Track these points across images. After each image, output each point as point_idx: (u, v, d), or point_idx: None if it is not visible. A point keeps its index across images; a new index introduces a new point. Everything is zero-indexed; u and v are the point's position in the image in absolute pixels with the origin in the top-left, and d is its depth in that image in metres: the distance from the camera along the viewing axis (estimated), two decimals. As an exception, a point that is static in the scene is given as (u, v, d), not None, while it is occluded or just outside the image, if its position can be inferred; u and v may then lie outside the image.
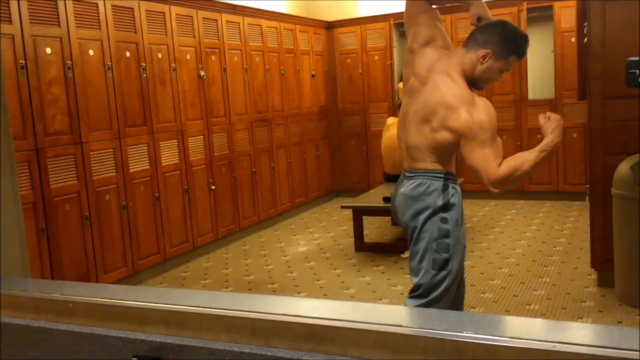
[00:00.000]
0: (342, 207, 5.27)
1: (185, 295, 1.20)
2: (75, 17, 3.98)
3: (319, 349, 0.95)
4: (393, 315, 0.96)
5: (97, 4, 4.15)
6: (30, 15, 3.69)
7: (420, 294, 2.39)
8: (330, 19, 7.50)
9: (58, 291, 1.24)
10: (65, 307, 1.18)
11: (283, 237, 5.84)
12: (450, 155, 2.37)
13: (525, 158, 2.12)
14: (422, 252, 2.36)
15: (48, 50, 3.80)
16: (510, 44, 2.26)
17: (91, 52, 4.10)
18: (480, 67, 2.26)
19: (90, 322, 1.15)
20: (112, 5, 4.26)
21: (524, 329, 0.90)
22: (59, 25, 3.88)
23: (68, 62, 3.92)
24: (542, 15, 6.47)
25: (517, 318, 1.04)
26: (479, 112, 2.18)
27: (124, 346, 1.09)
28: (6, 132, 2.08)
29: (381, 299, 4.00)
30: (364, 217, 5.30)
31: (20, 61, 3.62)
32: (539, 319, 0.97)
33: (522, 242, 5.16)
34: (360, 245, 5.20)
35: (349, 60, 7.46)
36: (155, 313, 1.10)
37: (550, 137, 2.08)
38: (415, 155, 2.36)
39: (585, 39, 4.14)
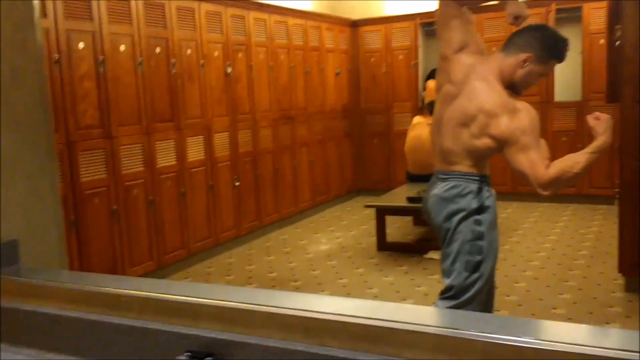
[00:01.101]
0: (366, 206, 5.26)
1: (238, 292, 1.22)
2: (108, 12, 4.02)
3: (374, 350, 0.96)
4: (450, 318, 0.96)
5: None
6: (65, 10, 3.74)
7: (452, 296, 2.39)
8: (355, 17, 7.49)
9: (110, 285, 1.26)
10: (117, 300, 1.20)
11: (305, 235, 5.85)
12: (486, 159, 2.36)
13: (576, 160, 2.10)
14: (455, 254, 2.35)
15: (81, 45, 3.85)
16: (551, 47, 2.24)
17: (122, 48, 4.14)
18: (521, 71, 2.25)
19: (143, 316, 1.17)
20: (144, 1, 4.30)
21: (566, 334, 0.91)
22: (91, 19, 3.92)
23: (100, 57, 3.97)
24: (571, 16, 6.40)
25: (560, 323, 1.04)
26: (521, 116, 2.17)
27: (176, 341, 1.11)
28: (48, 128, 2.11)
29: (405, 300, 4.00)
30: (386, 216, 5.29)
31: (55, 55, 3.68)
32: (576, 324, 0.98)
33: (546, 246, 5.12)
34: (383, 244, 5.19)
35: (373, 59, 7.45)
36: (208, 309, 1.11)
37: (602, 138, 2.06)
38: (450, 158, 2.36)
39: (618, 42, 4.10)
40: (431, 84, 6.52)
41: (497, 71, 2.26)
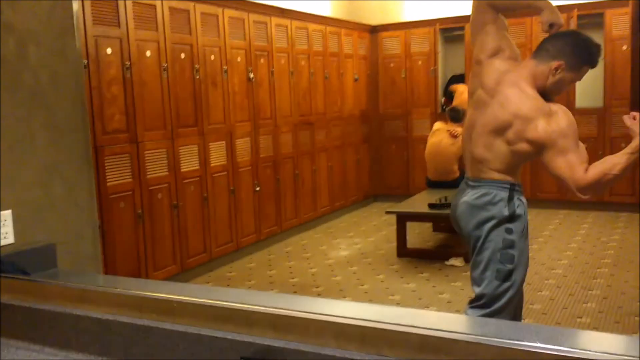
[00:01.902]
0: (387, 212, 5.26)
1: (293, 300, 1.22)
2: (134, 18, 4.07)
3: (433, 360, 0.96)
4: (513, 330, 0.96)
5: (155, 5, 4.23)
6: (93, 16, 3.79)
7: (483, 305, 2.38)
8: (374, 22, 7.50)
9: (162, 290, 1.28)
10: (170, 306, 1.22)
11: (324, 240, 5.86)
12: (519, 167, 2.36)
13: (615, 162, 2.09)
14: (486, 262, 2.35)
15: (109, 51, 3.89)
16: (583, 54, 2.24)
17: (148, 53, 4.19)
18: (553, 78, 2.24)
19: (196, 322, 1.18)
20: (169, 7, 4.34)
21: (604, 343, 0.93)
22: (119, 26, 3.97)
23: (127, 62, 4.01)
24: (592, 22, 6.36)
25: (596, 333, 1.05)
26: (558, 119, 2.16)
27: (230, 348, 1.12)
28: (86, 132, 2.14)
29: (428, 307, 3.99)
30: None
31: (84, 61, 3.72)
32: (613, 334, 0.99)
33: (567, 253, 5.08)
34: (403, 250, 5.18)
35: (392, 65, 7.45)
36: (262, 316, 1.12)
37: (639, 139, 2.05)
38: (482, 166, 2.35)
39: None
40: (461, 88, 6.52)
41: (529, 77, 2.26)
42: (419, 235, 5.84)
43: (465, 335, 0.94)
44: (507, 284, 2.33)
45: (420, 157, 7.08)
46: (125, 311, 1.26)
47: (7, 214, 1.77)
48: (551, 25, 2.27)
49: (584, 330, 1.47)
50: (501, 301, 2.34)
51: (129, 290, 1.31)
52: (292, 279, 4.67)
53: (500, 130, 2.28)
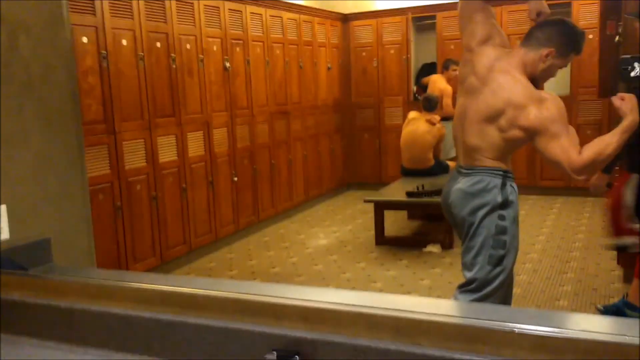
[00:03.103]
0: (366, 200, 5.29)
1: (322, 292, 1.23)
2: (110, 6, 3.97)
3: (470, 349, 0.98)
4: (549, 319, 0.99)
5: (130, -7, 4.14)
6: (68, 4, 3.66)
7: (474, 289, 2.43)
8: (346, 11, 7.49)
9: (186, 285, 1.27)
10: (194, 300, 1.21)
11: (301, 229, 5.87)
12: (510, 154, 2.41)
13: (607, 141, 2.14)
14: (479, 248, 2.39)
15: (84, 40, 3.79)
16: (571, 41, 2.29)
17: (124, 42, 4.10)
18: (542, 65, 2.29)
19: (222, 316, 1.17)
20: (145, -5, 4.25)
21: (591, 324, 0.99)
22: (94, 13, 3.87)
23: (103, 51, 3.92)
24: (560, 12, 6.48)
25: (584, 314, 1.11)
26: (548, 106, 2.21)
27: (260, 341, 1.12)
28: (78, 124, 2.09)
29: (410, 293, 4.05)
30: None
31: (59, 50, 3.61)
32: (595, 315, 1.05)
33: (540, 238, 5.22)
34: (381, 238, 5.24)
35: (364, 54, 7.47)
36: (292, 309, 1.12)
37: (630, 118, 2.10)
38: (475, 153, 2.39)
39: (617, 37, 4.19)
40: (434, 77, 6.57)
41: (520, 65, 2.30)
42: (395, 223, 5.90)
43: (501, 323, 0.96)
44: (498, 269, 2.39)
45: (393, 145, 7.15)
46: (147, 306, 1.25)
47: (2, 208, 1.73)
48: (539, 14, 2.32)
49: (587, 314, 1.52)
50: (492, 285, 2.40)
51: (151, 285, 1.30)
52: (273, 268, 4.67)
53: (492, 117, 2.32)
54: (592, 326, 0.97)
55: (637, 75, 1.66)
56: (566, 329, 0.95)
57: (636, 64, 1.66)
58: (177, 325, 1.20)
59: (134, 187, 4.19)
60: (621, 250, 3.37)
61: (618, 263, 4.05)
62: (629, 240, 3.26)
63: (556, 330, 0.94)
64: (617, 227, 3.30)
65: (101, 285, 1.43)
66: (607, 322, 1.11)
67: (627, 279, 3.98)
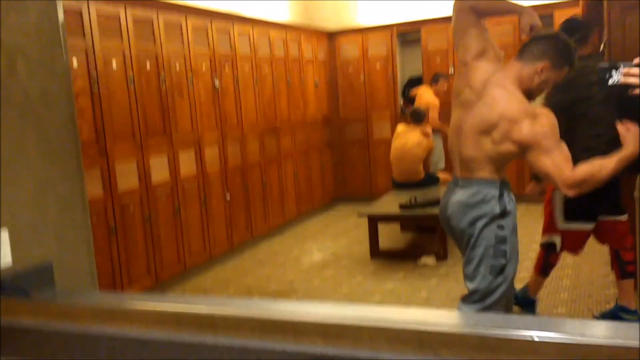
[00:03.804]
0: (360, 215, 5.30)
1: (339, 308, 1.23)
2: (99, 28, 3.97)
3: (493, 358, 0.99)
4: (565, 326, 1.00)
5: (118, 15, 4.15)
6: (57, 28, 3.67)
7: (477, 299, 2.44)
8: (330, 28, 7.56)
9: (202, 304, 1.26)
10: (211, 321, 1.20)
11: (295, 245, 5.86)
12: (506, 165, 2.43)
13: (604, 165, 2.18)
14: (480, 259, 2.41)
15: (75, 62, 3.79)
16: (565, 55, 2.34)
17: (114, 64, 4.10)
18: (538, 79, 2.33)
19: (240, 335, 1.17)
20: (133, 17, 4.26)
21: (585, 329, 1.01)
22: (83, 36, 3.87)
23: (93, 73, 3.91)
24: (543, 22, 6.59)
25: (591, 321, 1.13)
26: (541, 121, 2.24)
27: (280, 359, 1.12)
28: (77, 147, 2.09)
29: (408, 305, 4.04)
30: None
31: (50, 74, 3.60)
32: (603, 322, 1.08)
33: (534, 247, 5.23)
34: (376, 252, 5.24)
35: (350, 69, 7.53)
36: (311, 325, 1.12)
37: (631, 148, 2.13)
38: (471, 165, 2.42)
39: (602, 47, 4.27)
40: (421, 90, 6.63)
41: (515, 79, 2.34)
42: (388, 235, 5.91)
43: (523, 332, 0.97)
44: (500, 279, 2.40)
45: (382, 159, 7.19)
46: (162, 327, 1.24)
47: (3, 233, 1.72)
48: (532, 28, 2.36)
49: (588, 319, 1.54)
50: (495, 295, 2.41)
51: (166, 306, 1.29)
52: (270, 285, 4.65)
53: (487, 130, 2.35)
54: (612, 333, 0.98)
55: (614, 83, 1.71)
56: (586, 336, 0.96)
57: (613, 72, 1.71)
58: (191, 347, 1.19)
59: (128, 208, 4.17)
60: (550, 247, 3.60)
61: (612, 269, 4.08)
62: (557, 238, 3.55)
63: (576, 337, 0.95)
64: (548, 227, 3.55)
65: (104, 308, 1.42)
66: (625, 328, 1.12)
67: (621, 284, 4.01)
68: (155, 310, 1.27)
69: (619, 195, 3.41)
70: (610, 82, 1.73)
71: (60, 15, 1.95)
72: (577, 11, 5.78)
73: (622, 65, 1.71)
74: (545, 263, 3.64)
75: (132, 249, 4.20)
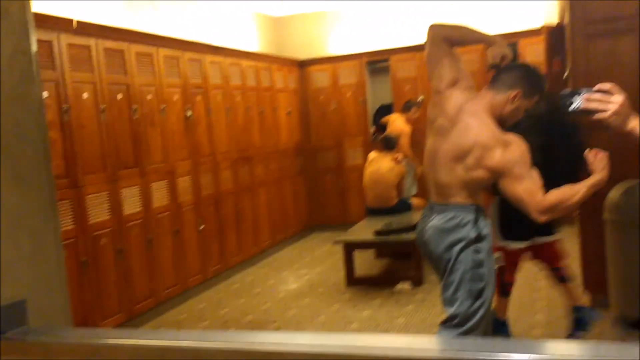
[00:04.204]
0: (336, 241, 5.30)
1: (321, 337, 1.21)
2: (69, 60, 3.94)
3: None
4: (543, 347, 1.01)
5: (89, 46, 4.12)
6: (27, 60, 3.63)
7: (457, 324, 2.45)
8: (301, 57, 7.64)
9: (180, 339, 1.24)
10: (193, 354, 1.18)
11: (270, 274, 5.81)
12: (480, 190, 2.47)
13: (574, 191, 2.22)
14: (458, 283, 2.43)
15: (45, 94, 3.74)
16: (536, 83, 2.41)
17: (85, 95, 4.06)
18: (510, 107, 2.39)
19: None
20: (104, 48, 4.24)
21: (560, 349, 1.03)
22: (54, 68, 3.83)
23: (64, 105, 3.87)
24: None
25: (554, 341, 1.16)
26: (513, 149, 2.29)
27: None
28: (50, 181, 2.05)
29: (387, 332, 4.03)
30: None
31: (19, 106, 3.55)
32: (569, 341, 1.09)
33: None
34: (352, 279, 5.23)
35: (322, 97, 7.60)
36: (299, 356, 1.11)
37: (600, 175, 2.17)
38: (446, 191, 2.45)
39: (566, 74, 4.40)
40: (392, 117, 6.72)
41: (488, 107, 2.39)
42: (364, 262, 5.90)
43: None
44: (479, 302, 2.42)
45: (355, 185, 7.23)
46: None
47: (-24, 271, 1.66)
48: (503, 58, 2.43)
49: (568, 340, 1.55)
50: (474, 319, 2.42)
51: (143, 341, 1.26)
52: (246, 316, 4.58)
53: (460, 156, 2.39)
54: (593, 352, 0.99)
55: (575, 109, 1.77)
56: (568, 356, 0.97)
57: (575, 98, 1.77)
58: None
59: (99, 241, 4.09)
60: (500, 266, 3.61)
61: (585, 289, 4.15)
62: (495, 254, 3.60)
63: (558, 357, 0.96)
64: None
65: (79, 344, 1.39)
66: (610, 348, 1.13)
67: (594, 304, 4.07)
68: (133, 346, 1.25)
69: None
70: (572, 107, 1.79)
71: (34, 48, 1.94)
72: (540, 39, 5.96)
73: (583, 91, 1.77)
74: (501, 282, 3.66)
75: (104, 283, 4.11)
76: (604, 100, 1.73)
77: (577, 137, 3.36)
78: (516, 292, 4.60)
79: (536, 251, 3.59)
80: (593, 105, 1.75)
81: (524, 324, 3.92)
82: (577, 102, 1.77)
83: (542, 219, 2.28)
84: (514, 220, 2.82)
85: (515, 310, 4.19)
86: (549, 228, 3.51)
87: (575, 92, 1.79)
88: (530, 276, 5.00)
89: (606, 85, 1.74)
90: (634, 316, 3.55)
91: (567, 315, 3.69)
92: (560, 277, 3.66)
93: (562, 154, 3.26)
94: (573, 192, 2.23)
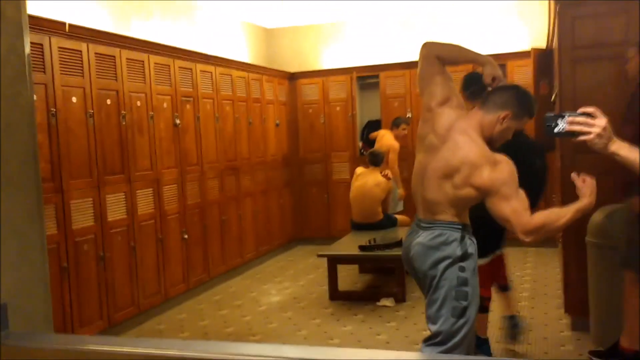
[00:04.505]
0: (319, 255, 5.29)
1: (305, 351, 1.21)
2: (60, 63, 3.92)
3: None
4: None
5: (81, 50, 4.11)
6: (17, 61, 3.60)
7: (440, 342, 2.45)
8: (292, 70, 7.68)
9: (162, 347, 1.22)
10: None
11: (253, 286, 5.77)
12: (467, 208, 2.49)
13: (561, 214, 2.24)
14: (442, 300, 2.43)
15: (34, 97, 3.70)
16: (525, 105, 2.44)
17: (74, 99, 4.03)
18: (500, 127, 2.42)
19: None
20: (95, 53, 4.23)
21: None
22: (44, 71, 3.81)
23: (52, 109, 3.84)
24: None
25: None
26: (501, 168, 2.31)
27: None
28: (38, 183, 2.03)
29: (368, 349, 4.02)
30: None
31: (7, 107, 3.52)
32: None
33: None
34: (335, 294, 5.21)
35: (311, 110, 7.62)
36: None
37: (587, 200, 2.17)
38: (434, 208, 2.46)
39: (553, 97, 4.47)
40: (381, 133, 6.75)
41: (477, 127, 2.42)
42: (347, 277, 5.90)
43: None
44: (462, 321, 2.42)
45: (341, 199, 7.24)
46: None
47: (-42, 273, 1.64)
48: (494, 79, 2.46)
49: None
50: (457, 337, 2.43)
51: (124, 349, 1.24)
52: (227, 328, 4.54)
53: (449, 174, 2.41)
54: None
55: (560, 132, 1.83)
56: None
57: (559, 121, 1.83)
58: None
59: (81, 247, 4.04)
60: None
61: (566, 312, 4.18)
62: None
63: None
64: None
65: (60, 350, 1.37)
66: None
67: (575, 327, 4.11)
68: (115, 353, 1.23)
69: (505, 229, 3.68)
70: (556, 130, 1.84)
71: (27, 50, 1.93)
72: (528, 62, 6.06)
73: (567, 114, 1.82)
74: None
75: (85, 290, 4.05)
76: (587, 123, 1.79)
77: (537, 161, 3.45)
78: (498, 311, 4.63)
79: (490, 264, 3.69)
80: (577, 128, 1.80)
81: (504, 344, 3.93)
82: (562, 125, 1.82)
83: (528, 239, 2.29)
84: (481, 237, 2.86)
85: (496, 330, 4.21)
86: (503, 241, 3.73)
87: (559, 115, 1.84)
88: (511, 296, 5.02)
89: (589, 109, 1.81)
90: (611, 340, 3.57)
91: (502, 325, 3.95)
92: (502, 286, 3.92)
93: (523, 176, 3.33)
94: (559, 215, 2.25)
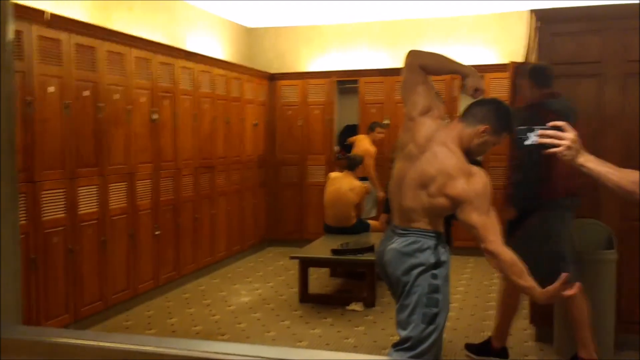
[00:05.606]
0: (292, 257, 5.29)
1: (271, 351, 1.21)
2: (39, 52, 3.86)
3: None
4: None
5: (61, 40, 4.05)
6: (-7, 47, 3.54)
7: (409, 347, 2.48)
8: (273, 71, 7.68)
9: (149, 344, 1.22)
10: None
11: (223, 286, 5.75)
12: (441, 217, 2.53)
13: (522, 276, 2.27)
14: (413, 306, 2.47)
15: (14, 85, 3.64)
16: (505, 121, 2.48)
17: (51, 89, 3.97)
18: (477, 140, 2.47)
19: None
20: (76, 43, 4.17)
21: None
22: (22, 58, 3.75)
23: (28, 98, 3.78)
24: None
25: None
26: (476, 180, 2.36)
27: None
28: (13, 172, 2.01)
29: (336, 352, 4.04)
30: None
31: (-19, 93, 3.45)
32: None
33: (457, 297, 5.40)
34: (305, 296, 5.22)
35: (290, 112, 7.63)
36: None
37: (541, 297, 2.25)
38: (410, 216, 2.50)
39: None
40: (360, 138, 6.79)
41: (456, 138, 2.46)
42: (318, 280, 5.91)
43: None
44: (432, 327, 2.46)
45: (315, 202, 7.26)
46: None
47: None
48: (476, 90, 2.50)
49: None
50: (427, 343, 2.46)
51: (89, 342, 1.23)
52: (195, 327, 4.52)
53: (425, 183, 2.45)
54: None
55: (530, 144, 1.91)
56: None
57: (530, 134, 1.91)
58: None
59: (51, 239, 3.98)
60: None
61: (531, 322, 4.26)
62: None
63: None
64: None
65: (30, 342, 1.35)
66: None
67: (539, 338, 4.19)
68: (85, 346, 1.22)
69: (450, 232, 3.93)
70: (527, 142, 1.91)
71: (10, 36, 1.90)
72: (506, 75, 6.16)
73: (537, 128, 1.90)
74: None
75: (52, 283, 3.99)
76: (557, 136, 1.86)
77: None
78: (465, 319, 4.70)
79: None
80: (547, 141, 1.88)
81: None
82: (533, 138, 1.90)
83: (486, 256, 2.34)
84: None
85: (462, 339, 4.27)
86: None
87: (530, 129, 1.91)
88: (479, 304, 5.11)
89: (559, 123, 1.88)
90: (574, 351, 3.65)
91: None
92: None
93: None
94: (520, 275, 2.27)
